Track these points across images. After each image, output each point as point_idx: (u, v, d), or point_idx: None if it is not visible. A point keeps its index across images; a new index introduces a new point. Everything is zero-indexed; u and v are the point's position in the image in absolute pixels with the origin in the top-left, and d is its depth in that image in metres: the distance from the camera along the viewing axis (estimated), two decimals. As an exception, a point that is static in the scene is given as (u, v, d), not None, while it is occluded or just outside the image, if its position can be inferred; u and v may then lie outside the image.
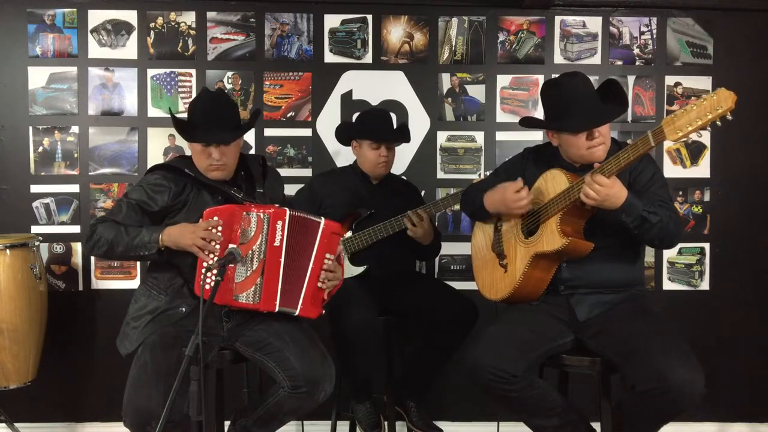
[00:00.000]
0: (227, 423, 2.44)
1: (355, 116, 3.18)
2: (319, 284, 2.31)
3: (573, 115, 2.26)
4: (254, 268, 2.22)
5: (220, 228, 2.20)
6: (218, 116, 2.32)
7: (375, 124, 2.90)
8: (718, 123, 1.98)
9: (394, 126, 2.96)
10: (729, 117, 1.96)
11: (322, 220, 2.32)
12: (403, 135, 2.97)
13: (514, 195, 2.33)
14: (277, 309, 2.26)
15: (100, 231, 2.25)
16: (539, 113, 3.23)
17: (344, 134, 3.00)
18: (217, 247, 2.19)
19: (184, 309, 2.27)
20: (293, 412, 2.27)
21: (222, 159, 2.30)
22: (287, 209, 2.27)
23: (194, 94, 3.27)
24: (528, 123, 2.49)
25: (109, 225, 2.26)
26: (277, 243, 2.24)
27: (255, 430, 2.33)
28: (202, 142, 2.28)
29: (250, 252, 2.22)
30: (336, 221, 2.42)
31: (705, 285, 3.39)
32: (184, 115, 2.42)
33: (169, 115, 2.47)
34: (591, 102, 2.27)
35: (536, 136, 3.28)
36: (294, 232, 2.27)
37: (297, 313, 2.29)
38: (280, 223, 2.24)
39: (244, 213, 2.23)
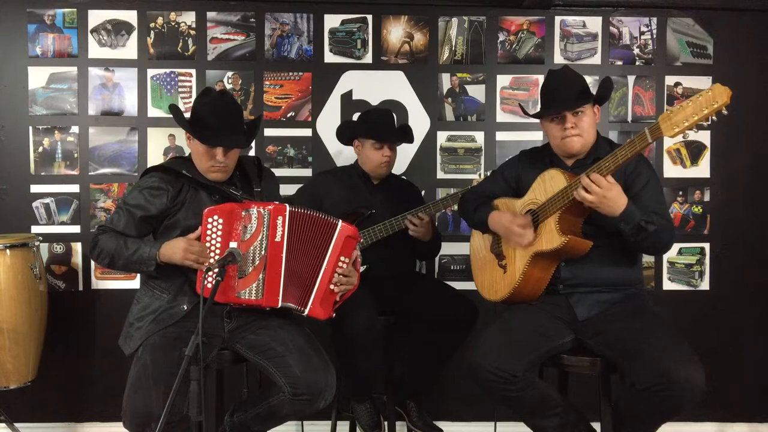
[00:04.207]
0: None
1: (356, 116, 3.18)
2: (332, 287, 2.31)
3: (544, 105, 2.40)
4: (256, 264, 2.22)
5: (220, 228, 2.20)
6: (231, 119, 2.31)
7: (378, 124, 2.90)
8: (714, 118, 2.00)
9: (396, 125, 2.96)
10: (724, 111, 1.99)
11: (339, 222, 2.31)
12: (406, 135, 2.97)
13: (518, 230, 2.34)
14: (279, 305, 2.25)
15: (101, 243, 2.28)
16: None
17: (346, 134, 2.99)
18: (218, 245, 2.19)
19: (185, 306, 2.27)
20: (292, 415, 2.28)
21: (225, 161, 2.30)
22: (287, 205, 2.27)
23: (194, 94, 3.27)
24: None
25: (110, 236, 2.28)
26: (278, 239, 2.23)
27: (253, 426, 2.34)
28: (220, 145, 2.26)
29: (252, 248, 2.22)
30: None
31: (705, 285, 3.39)
32: (186, 114, 2.40)
33: (169, 115, 2.45)
34: (564, 93, 2.34)
35: (536, 136, 3.29)
36: (296, 227, 2.26)
37: (306, 312, 2.28)
38: (280, 218, 2.24)
39: (244, 210, 2.23)
